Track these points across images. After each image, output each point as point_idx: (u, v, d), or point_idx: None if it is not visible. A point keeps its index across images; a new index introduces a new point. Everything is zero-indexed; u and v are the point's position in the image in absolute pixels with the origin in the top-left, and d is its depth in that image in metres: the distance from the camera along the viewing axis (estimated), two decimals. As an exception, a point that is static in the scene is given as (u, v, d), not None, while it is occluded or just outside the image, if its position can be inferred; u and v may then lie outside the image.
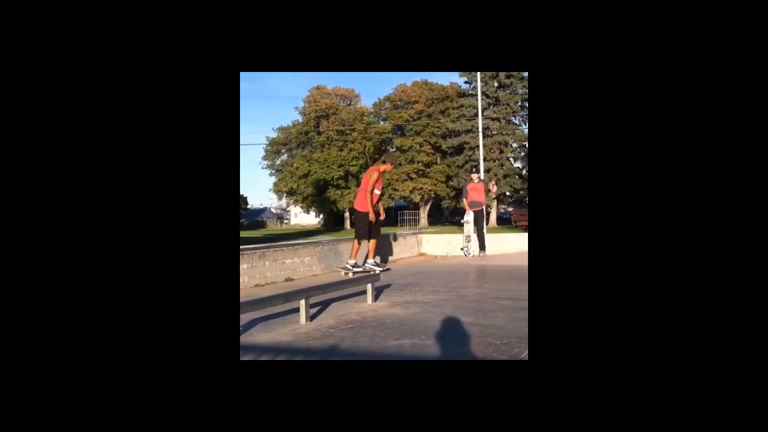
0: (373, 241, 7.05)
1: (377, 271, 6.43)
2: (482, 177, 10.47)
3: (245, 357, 3.15)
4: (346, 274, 6.79)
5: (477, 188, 9.41)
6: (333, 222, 42.49)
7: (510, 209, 34.35)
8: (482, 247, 9.37)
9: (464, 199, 9.55)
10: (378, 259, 7.38)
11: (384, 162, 7.36)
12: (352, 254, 7.11)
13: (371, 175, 6.93)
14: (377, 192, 6.99)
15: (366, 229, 6.92)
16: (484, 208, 9.65)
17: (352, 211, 41.18)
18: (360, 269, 6.91)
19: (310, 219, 49.93)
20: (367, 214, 6.84)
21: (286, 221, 61.97)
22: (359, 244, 7.04)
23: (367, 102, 45.12)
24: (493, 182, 31.25)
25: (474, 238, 9.31)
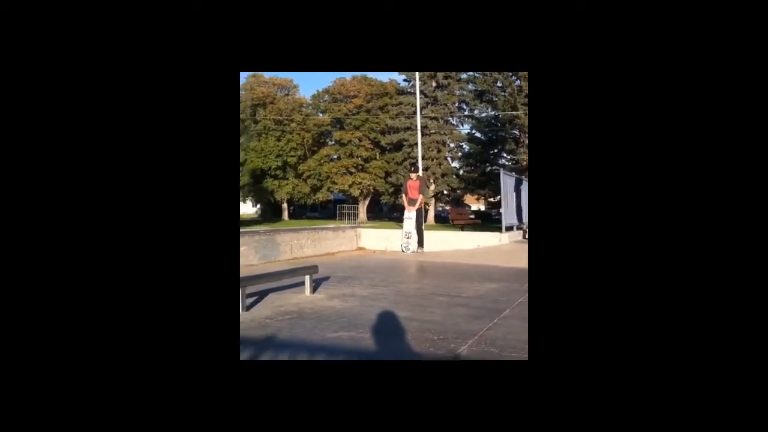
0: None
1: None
2: (420, 174, 10.60)
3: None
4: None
5: (415, 186, 9.51)
6: (271, 212, 41.79)
7: (447, 208, 34.99)
8: (420, 243, 9.48)
9: (404, 196, 9.63)
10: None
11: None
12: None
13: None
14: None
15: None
16: (423, 205, 9.77)
17: (290, 202, 40.21)
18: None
19: (247, 209, 48.88)
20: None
21: (219, 211, 60.34)
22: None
23: (305, 93, 44.60)
24: (432, 180, 31.61)
25: (414, 234, 9.40)
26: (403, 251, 9.39)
